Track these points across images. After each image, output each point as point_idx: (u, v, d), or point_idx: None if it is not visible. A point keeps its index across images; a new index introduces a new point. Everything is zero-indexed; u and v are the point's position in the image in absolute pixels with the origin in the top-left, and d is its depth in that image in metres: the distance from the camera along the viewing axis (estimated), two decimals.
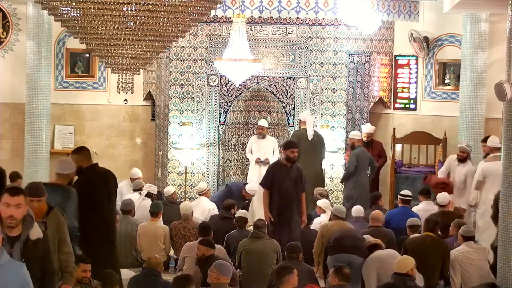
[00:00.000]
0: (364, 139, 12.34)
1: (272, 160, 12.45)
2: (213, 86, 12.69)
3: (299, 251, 7.87)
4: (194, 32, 12.38)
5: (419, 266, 7.30)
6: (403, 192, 10.55)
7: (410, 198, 10.38)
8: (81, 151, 7.74)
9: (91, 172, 7.53)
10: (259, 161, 12.27)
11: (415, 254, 7.59)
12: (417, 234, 8.57)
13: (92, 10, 6.20)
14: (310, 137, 11.80)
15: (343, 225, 8.94)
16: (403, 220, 9.28)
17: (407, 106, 13.48)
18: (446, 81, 13.28)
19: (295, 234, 9.33)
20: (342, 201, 11.90)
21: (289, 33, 12.58)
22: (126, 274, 8.60)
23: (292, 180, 9.54)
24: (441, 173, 11.30)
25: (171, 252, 9.90)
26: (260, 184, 10.11)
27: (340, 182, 12.14)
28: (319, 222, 10.02)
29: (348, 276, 6.78)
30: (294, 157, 9.58)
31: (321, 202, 10.35)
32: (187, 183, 12.56)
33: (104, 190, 7.53)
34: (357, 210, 10.01)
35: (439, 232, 8.66)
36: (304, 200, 9.71)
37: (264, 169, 12.29)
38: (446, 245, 8.25)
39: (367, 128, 12.51)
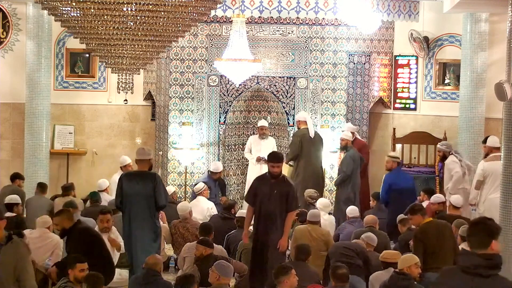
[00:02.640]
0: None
1: None
2: (213, 86, 12.69)
3: (308, 253, 7.77)
4: (194, 32, 12.38)
5: (433, 253, 7.52)
6: (392, 154, 10.99)
7: (399, 160, 10.95)
8: (62, 213, 7.96)
9: (76, 232, 7.75)
10: (260, 159, 12.25)
11: (427, 242, 7.67)
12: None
13: (92, 10, 6.20)
14: (312, 135, 11.79)
15: (317, 230, 8.76)
16: (405, 180, 10.55)
17: (407, 106, 13.47)
18: (446, 81, 13.28)
19: (273, 260, 8.01)
20: (339, 204, 11.75)
21: (289, 33, 12.58)
22: (125, 274, 8.62)
23: (276, 197, 8.19)
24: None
25: (171, 252, 9.89)
26: (244, 198, 9.28)
27: (335, 185, 11.87)
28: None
29: (346, 277, 6.73)
30: (274, 172, 8.24)
31: (320, 202, 10.33)
32: (187, 183, 12.55)
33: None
34: (353, 210, 10.00)
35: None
36: (289, 221, 8.33)
37: (265, 168, 12.33)
38: (451, 227, 8.19)
39: (346, 127, 12.16)
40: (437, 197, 10.30)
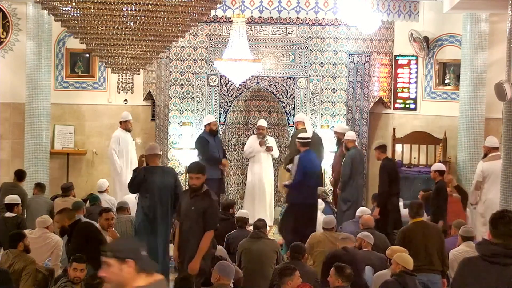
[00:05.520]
0: (334, 137, 12.07)
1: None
2: (213, 86, 12.69)
3: (304, 252, 7.79)
4: (194, 32, 12.38)
5: (418, 253, 7.52)
6: (303, 135, 10.82)
7: (309, 141, 10.72)
8: (63, 211, 8.16)
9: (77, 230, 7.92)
10: (263, 144, 12.18)
11: (416, 243, 7.69)
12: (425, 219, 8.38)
13: (92, 10, 6.20)
14: (309, 134, 11.77)
15: (334, 236, 8.68)
16: (318, 164, 10.56)
17: (407, 106, 13.47)
18: (446, 81, 13.28)
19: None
20: (339, 203, 11.72)
21: (289, 33, 12.58)
22: None
23: (193, 214, 7.44)
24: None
25: (171, 252, 9.88)
26: None
27: (338, 189, 11.45)
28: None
29: (350, 277, 6.72)
30: (192, 184, 7.48)
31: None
32: (187, 183, 12.54)
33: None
34: (362, 210, 10.00)
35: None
36: (205, 242, 7.43)
37: (265, 164, 12.37)
38: (438, 229, 8.24)
39: (338, 127, 12.09)
40: (435, 165, 10.54)
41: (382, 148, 10.50)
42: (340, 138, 11.84)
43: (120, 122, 12.41)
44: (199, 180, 7.43)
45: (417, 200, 8.82)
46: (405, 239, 7.92)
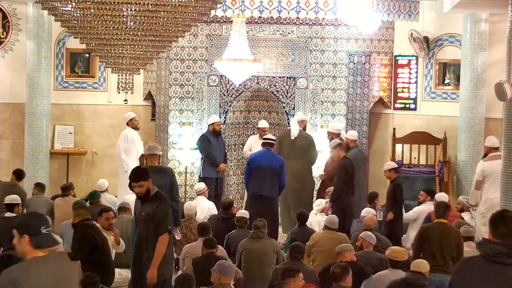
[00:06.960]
0: (328, 137, 11.96)
1: None
2: (213, 86, 12.69)
3: (303, 252, 7.79)
4: (194, 32, 12.38)
5: (433, 253, 7.56)
6: (266, 136, 11.07)
7: (274, 142, 10.84)
8: (74, 207, 8.21)
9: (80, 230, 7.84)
10: None
11: (432, 242, 7.69)
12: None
13: (92, 10, 6.21)
14: (292, 136, 11.67)
15: (333, 235, 8.64)
16: (268, 160, 10.42)
17: (407, 106, 13.47)
18: (446, 81, 13.28)
19: None
20: None
21: (289, 33, 12.59)
22: (125, 274, 8.62)
23: (143, 218, 7.19)
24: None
25: None
26: None
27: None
28: (317, 221, 10.03)
29: (338, 276, 6.70)
30: (136, 193, 7.21)
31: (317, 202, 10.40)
32: (187, 183, 12.55)
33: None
34: (367, 211, 9.99)
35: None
36: (161, 247, 7.10)
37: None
38: (458, 232, 8.22)
39: (331, 127, 11.97)
40: (387, 164, 10.71)
41: (341, 146, 10.57)
42: (333, 138, 11.83)
43: (127, 123, 12.37)
44: (141, 188, 7.10)
45: (444, 201, 8.78)
46: (422, 235, 7.89)
